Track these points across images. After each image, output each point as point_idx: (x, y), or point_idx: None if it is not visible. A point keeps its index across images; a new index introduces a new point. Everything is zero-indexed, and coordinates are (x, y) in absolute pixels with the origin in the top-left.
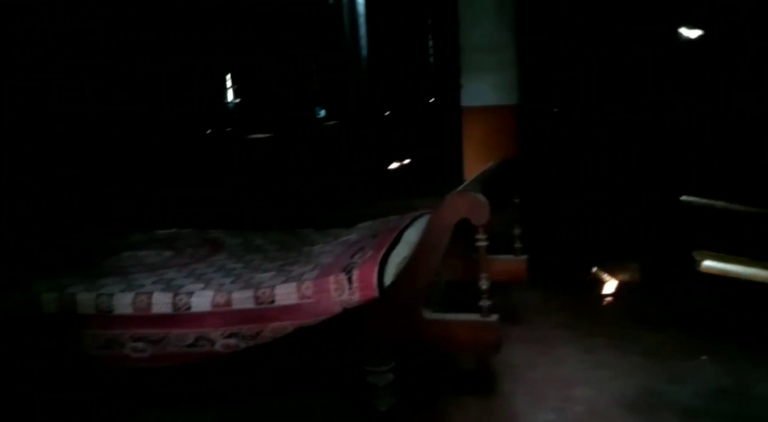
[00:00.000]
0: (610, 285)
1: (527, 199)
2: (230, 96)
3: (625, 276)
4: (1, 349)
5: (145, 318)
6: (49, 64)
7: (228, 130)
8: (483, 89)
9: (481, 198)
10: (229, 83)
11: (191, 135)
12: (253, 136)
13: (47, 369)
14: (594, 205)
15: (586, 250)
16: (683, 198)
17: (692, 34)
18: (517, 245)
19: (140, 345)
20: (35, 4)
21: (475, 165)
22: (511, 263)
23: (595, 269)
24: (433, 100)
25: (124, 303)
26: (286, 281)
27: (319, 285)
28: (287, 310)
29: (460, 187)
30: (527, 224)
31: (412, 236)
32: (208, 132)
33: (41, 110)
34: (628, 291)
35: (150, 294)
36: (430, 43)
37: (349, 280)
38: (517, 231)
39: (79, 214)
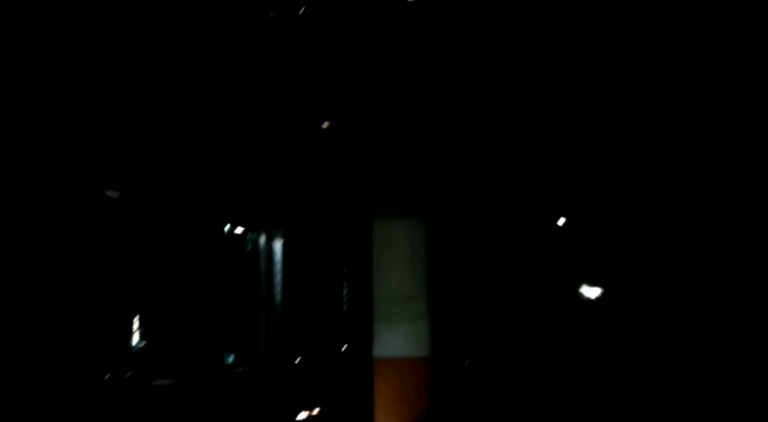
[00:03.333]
0: None
1: None
2: (135, 338)
3: None
4: None
5: None
6: None
7: (128, 375)
8: (395, 340)
9: None
10: (135, 325)
11: (87, 380)
12: (156, 382)
13: None
14: None
15: None
16: None
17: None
18: None
19: None
20: None
21: (387, 418)
22: None
23: None
24: (345, 347)
25: None
26: None
27: None
28: None
29: None
30: None
31: None
32: (107, 377)
33: None
34: None
35: None
36: (345, 291)
37: None
38: None
39: None
